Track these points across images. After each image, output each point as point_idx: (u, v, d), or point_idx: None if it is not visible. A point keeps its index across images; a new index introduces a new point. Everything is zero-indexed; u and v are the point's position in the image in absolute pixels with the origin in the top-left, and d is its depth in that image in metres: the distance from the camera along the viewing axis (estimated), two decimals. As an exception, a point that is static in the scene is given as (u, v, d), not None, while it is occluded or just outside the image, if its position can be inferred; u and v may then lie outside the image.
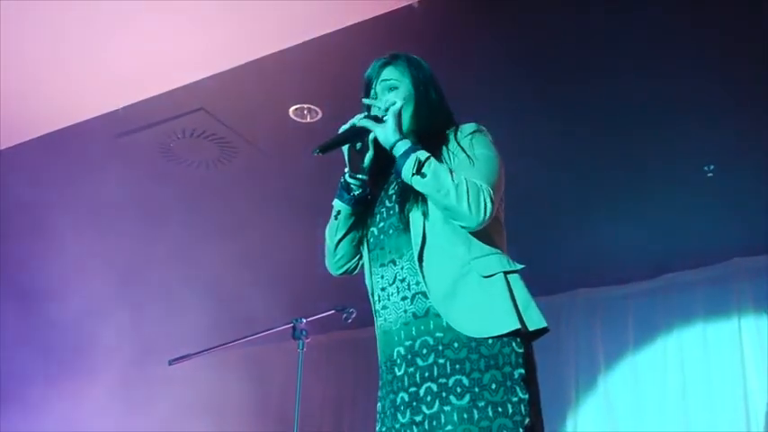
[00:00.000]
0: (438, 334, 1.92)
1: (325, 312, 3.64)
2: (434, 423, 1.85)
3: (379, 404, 2.04)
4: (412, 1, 3.23)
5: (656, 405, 5.10)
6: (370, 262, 2.11)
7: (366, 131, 2.05)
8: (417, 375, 1.92)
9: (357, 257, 2.21)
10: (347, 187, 2.12)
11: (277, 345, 5.94)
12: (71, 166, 4.38)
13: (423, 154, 1.94)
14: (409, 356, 1.95)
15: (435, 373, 1.89)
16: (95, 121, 4.03)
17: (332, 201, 2.17)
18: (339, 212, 2.14)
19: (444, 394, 1.86)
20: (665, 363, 5.16)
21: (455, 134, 2.07)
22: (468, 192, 1.90)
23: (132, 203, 4.67)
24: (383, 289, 2.05)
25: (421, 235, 1.97)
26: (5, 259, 5.20)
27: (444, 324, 1.91)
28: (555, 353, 5.52)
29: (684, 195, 4.43)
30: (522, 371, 1.88)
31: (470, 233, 1.95)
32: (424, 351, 1.92)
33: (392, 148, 1.99)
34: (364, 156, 2.10)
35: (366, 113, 2.08)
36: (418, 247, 1.96)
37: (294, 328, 3.42)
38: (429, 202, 1.97)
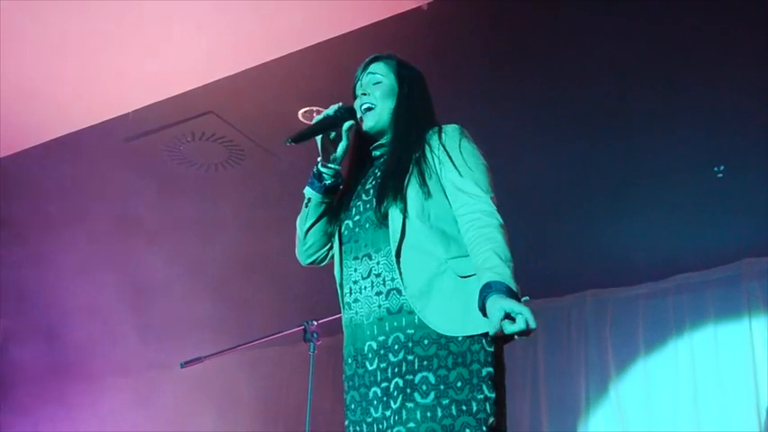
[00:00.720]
0: (409, 331, 1.93)
1: (336, 315, 3.63)
2: (396, 418, 1.86)
3: (346, 396, 2.05)
4: (421, 3, 3.23)
5: (667, 406, 5.08)
6: (341, 254, 2.12)
7: (340, 122, 2.13)
8: (389, 371, 1.93)
9: (327, 248, 2.24)
10: (319, 176, 2.17)
11: (288, 348, 5.97)
12: (81, 169, 4.39)
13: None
14: (382, 351, 1.96)
15: (404, 369, 1.89)
16: (105, 125, 4.05)
17: None
18: (309, 200, 2.19)
19: (409, 391, 1.87)
20: (676, 364, 5.14)
21: (439, 135, 2.09)
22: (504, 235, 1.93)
23: (142, 206, 4.68)
24: (356, 282, 2.06)
25: (399, 231, 1.98)
26: (14, 261, 5.22)
27: (417, 321, 1.92)
28: (565, 355, 5.52)
29: (695, 196, 4.41)
30: (491, 369, 1.88)
31: (449, 233, 1.98)
32: (396, 347, 1.93)
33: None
34: (337, 145, 2.16)
35: (341, 104, 2.16)
36: (396, 243, 1.97)
37: (305, 330, 3.41)
38: (408, 199, 1.99)
